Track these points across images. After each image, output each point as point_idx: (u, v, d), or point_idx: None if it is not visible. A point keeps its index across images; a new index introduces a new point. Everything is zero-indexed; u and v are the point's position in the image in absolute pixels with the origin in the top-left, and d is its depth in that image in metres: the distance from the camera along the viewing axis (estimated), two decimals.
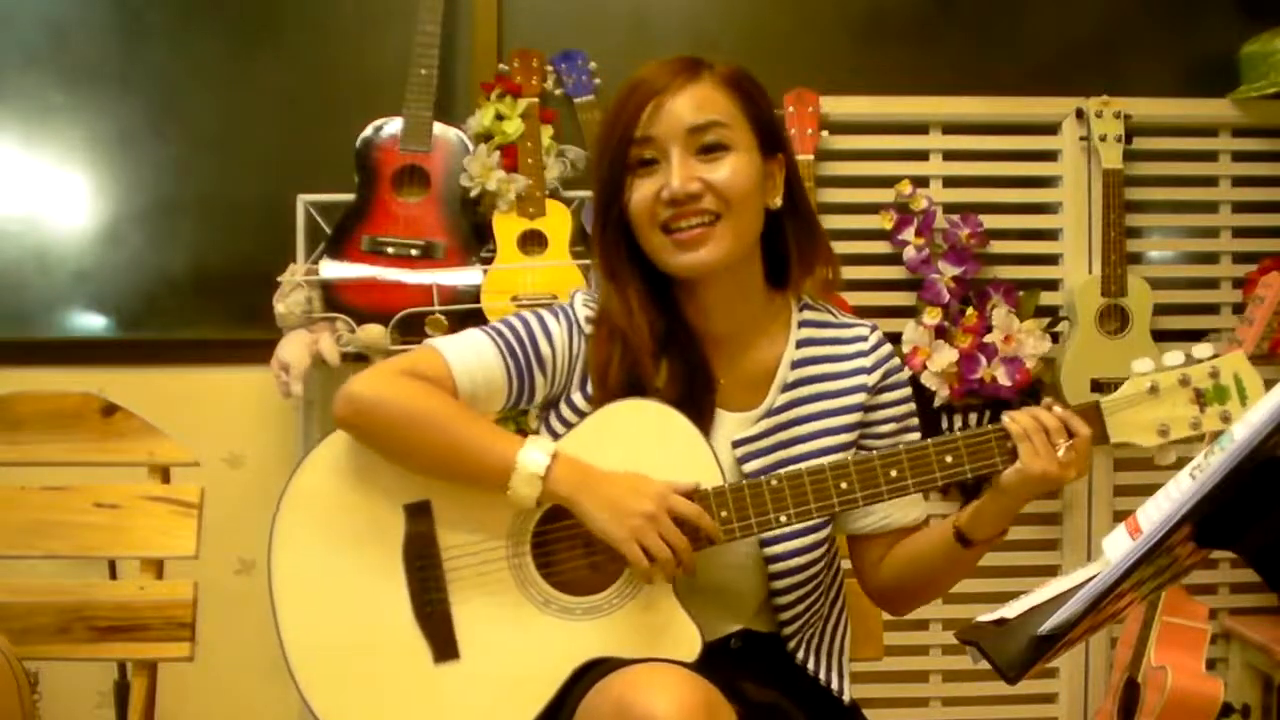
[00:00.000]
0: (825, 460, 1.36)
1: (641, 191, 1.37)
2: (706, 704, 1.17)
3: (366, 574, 1.37)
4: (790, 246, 1.45)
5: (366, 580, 1.37)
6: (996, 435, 1.34)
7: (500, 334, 1.42)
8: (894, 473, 1.34)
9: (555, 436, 1.42)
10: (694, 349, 1.42)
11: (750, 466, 1.40)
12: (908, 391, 1.50)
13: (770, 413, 1.43)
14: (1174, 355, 1.37)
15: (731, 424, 1.43)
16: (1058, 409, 1.34)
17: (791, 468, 1.36)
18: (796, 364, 1.45)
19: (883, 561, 1.48)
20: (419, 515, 1.38)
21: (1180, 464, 1.38)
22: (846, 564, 1.55)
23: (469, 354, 1.40)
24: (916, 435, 1.49)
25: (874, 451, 1.38)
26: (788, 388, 1.44)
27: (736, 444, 1.41)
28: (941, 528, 1.42)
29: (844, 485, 1.34)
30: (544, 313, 1.45)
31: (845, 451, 1.43)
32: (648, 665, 1.23)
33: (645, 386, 1.38)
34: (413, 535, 1.37)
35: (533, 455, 1.31)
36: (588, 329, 1.43)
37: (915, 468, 1.34)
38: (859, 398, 1.45)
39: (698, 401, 1.39)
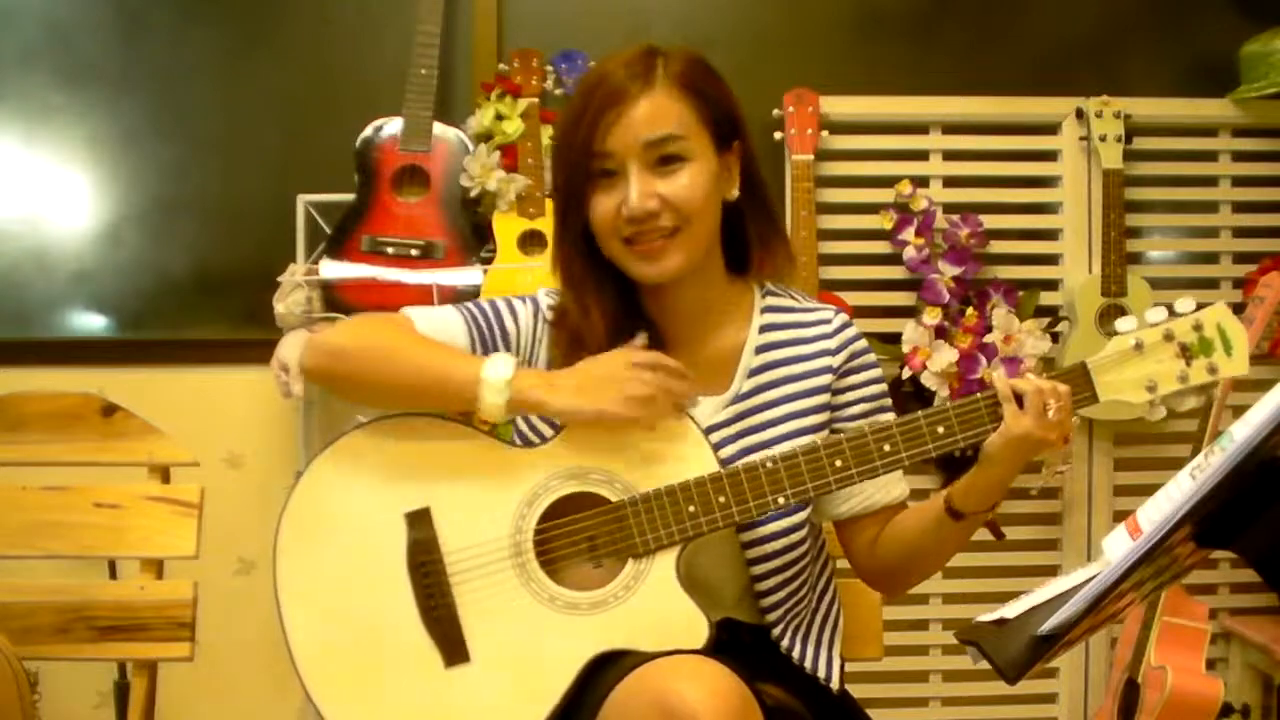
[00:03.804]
0: (818, 438, 1.37)
1: (603, 205, 1.39)
2: (739, 693, 1.18)
3: (372, 584, 1.38)
4: (750, 234, 1.47)
5: (372, 590, 1.37)
6: (986, 402, 1.35)
7: (468, 309, 1.47)
8: (887, 447, 1.35)
9: (532, 426, 1.45)
10: (654, 342, 1.44)
11: (720, 453, 1.41)
12: (877, 373, 1.50)
13: (737, 398, 1.45)
14: (1157, 312, 1.37)
15: (707, 410, 1.44)
16: (1030, 376, 1.35)
17: (785, 449, 1.37)
18: (760, 349, 1.47)
19: (876, 543, 1.49)
20: (420, 522, 1.38)
21: (1170, 420, 1.38)
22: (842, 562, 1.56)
23: (436, 319, 1.45)
24: (890, 416, 1.48)
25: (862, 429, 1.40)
26: (753, 373, 1.46)
27: (705, 430, 1.41)
28: (932, 503, 1.42)
29: (839, 463, 1.35)
30: (511, 298, 1.50)
31: (815, 434, 1.43)
32: (677, 656, 1.24)
33: None
34: (415, 542, 1.38)
35: (497, 368, 1.34)
36: (549, 315, 1.47)
37: (908, 440, 1.35)
38: (825, 379, 1.46)
39: None
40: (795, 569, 1.43)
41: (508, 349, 1.45)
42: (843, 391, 1.47)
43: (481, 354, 1.43)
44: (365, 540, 1.39)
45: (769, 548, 1.41)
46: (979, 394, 1.36)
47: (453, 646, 1.35)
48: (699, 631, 1.32)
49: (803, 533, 1.43)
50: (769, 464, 1.35)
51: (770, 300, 1.50)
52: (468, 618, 1.36)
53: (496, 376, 1.33)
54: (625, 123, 1.36)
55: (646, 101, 1.36)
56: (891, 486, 1.48)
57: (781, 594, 1.43)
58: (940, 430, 1.35)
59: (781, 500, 1.35)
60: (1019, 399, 1.32)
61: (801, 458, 1.35)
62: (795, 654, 1.45)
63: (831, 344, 1.47)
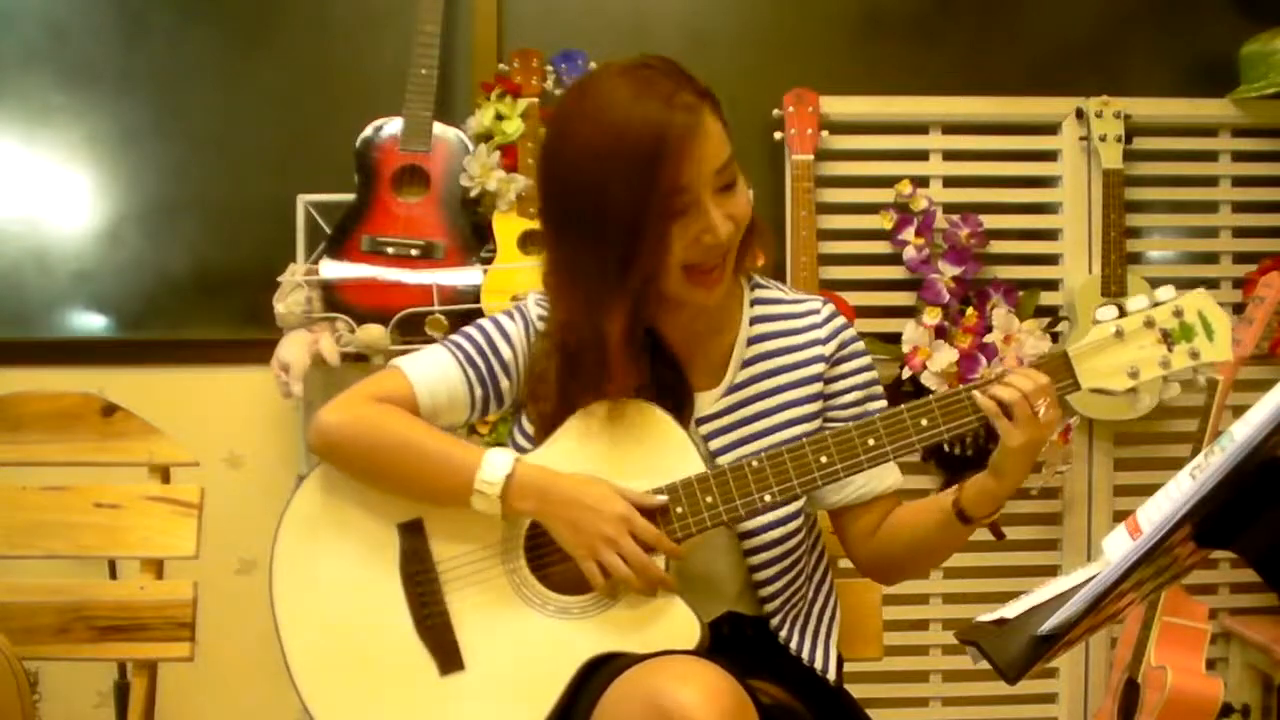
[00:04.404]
0: (804, 437, 1.37)
1: (681, 239, 1.33)
2: (732, 692, 1.18)
3: (367, 594, 1.38)
4: None
5: (367, 600, 1.38)
6: (969, 395, 1.35)
7: (459, 346, 1.45)
8: (871, 441, 1.35)
9: (528, 436, 1.44)
10: (664, 348, 1.44)
11: (716, 444, 1.42)
12: (868, 360, 1.51)
13: (732, 388, 1.45)
14: (1137, 300, 1.37)
15: (702, 403, 1.45)
16: (1011, 374, 1.34)
17: (771, 448, 1.37)
18: (753, 340, 1.47)
19: (876, 533, 1.49)
20: (412, 532, 1.39)
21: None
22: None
23: (430, 369, 1.43)
24: (882, 404, 1.49)
25: (845, 423, 1.40)
26: (747, 363, 1.46)
27: (700, 421, 1.43)
28: (937, 503, 1.42)
29: (824, 459, 1.35)
30: (499, 317, 1.48)
31: (809, 423, 1.44)
32: (670, 656, 1.24)
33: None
34: (408, 552, 1.39)
35: (489, 473, 1.33)
36: (540, 325, 1.45)
37: (892, 434, 1.35)
38: (817, 368, 1.46)
39: (676, 394, 1.42)
40: (791, 559, 1.44)
41: (507, 377, 1.44)
42: (835, 380, 1.48)
43: (483, 395, 1.43)
44: (359, 551, 1.40)
45: (764, 538, 1.42)
46: (962, 386, 1.36)
47: (447, 655, 1.36)
48: (691, 632, 1.32)
49: (797, 523, 1.44)
50: (755, 462, 1.35)
51: (758, 293, 1.51)
52: (461, 626, 1.37)
53: (488, 489, 1.33)
54: (700, 155, 1.30)
55: (705, 125, 1.31)
56: (885, 475, 1.48)
57: (779, 584, 1.44)
58: (924, 423, 1.35)
59: (768, 498, 1.35)
60: (1006, 411, 1.32)
61: (787, 455, 1.35)
62: (793, 645, 1.45)
63: (822, 333, 1.48)
